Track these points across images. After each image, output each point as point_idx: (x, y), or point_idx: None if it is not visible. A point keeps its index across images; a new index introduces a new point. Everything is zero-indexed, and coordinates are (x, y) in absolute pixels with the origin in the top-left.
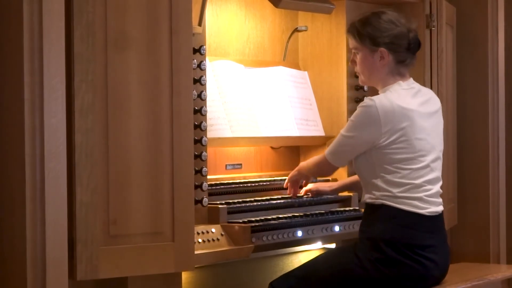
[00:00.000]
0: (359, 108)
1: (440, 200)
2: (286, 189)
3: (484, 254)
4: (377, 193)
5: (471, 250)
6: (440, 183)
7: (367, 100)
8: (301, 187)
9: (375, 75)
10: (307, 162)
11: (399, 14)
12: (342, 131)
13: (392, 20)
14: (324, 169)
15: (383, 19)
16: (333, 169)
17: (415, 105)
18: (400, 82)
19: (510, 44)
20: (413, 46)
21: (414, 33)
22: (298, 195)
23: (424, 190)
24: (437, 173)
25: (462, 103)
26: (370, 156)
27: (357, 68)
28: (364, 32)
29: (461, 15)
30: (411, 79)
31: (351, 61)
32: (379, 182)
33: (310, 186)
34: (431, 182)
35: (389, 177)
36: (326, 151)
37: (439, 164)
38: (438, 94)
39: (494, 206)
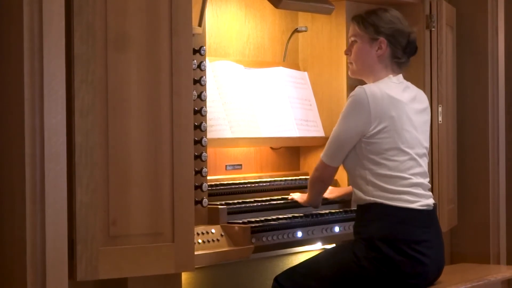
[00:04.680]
0: (349, 98)
1: (430, 193)
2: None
3: (484, 255)
4: (366, 188)
5: (471, 250)
6: (428, 178)
7: (356, 88)
8: None
9: (368, 65)
10: (308, 187)
11: (403, 16)
12: (334, 128)
13: (397, 16)
14: (322, 173)
15: (389, 13)
16: (331, 171)
17: (405, 99)
18: (391, 76)
19: (510, 44)
20: (410, 49)
21: (414, 36)
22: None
23: (412, 183)
24: (424, 168)
25: (462, 103)
26: (359, 147)
27: (352, 58)
28: (369, 20)
29: (461, 16)
30: (401, 75)
31: (347, 50)
32: (368, 176)
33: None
34: (418, 175)
35: (377, 170)
36: (321, 155)
37: (425, 161)
38: (438, 94)
39: (494, 207)
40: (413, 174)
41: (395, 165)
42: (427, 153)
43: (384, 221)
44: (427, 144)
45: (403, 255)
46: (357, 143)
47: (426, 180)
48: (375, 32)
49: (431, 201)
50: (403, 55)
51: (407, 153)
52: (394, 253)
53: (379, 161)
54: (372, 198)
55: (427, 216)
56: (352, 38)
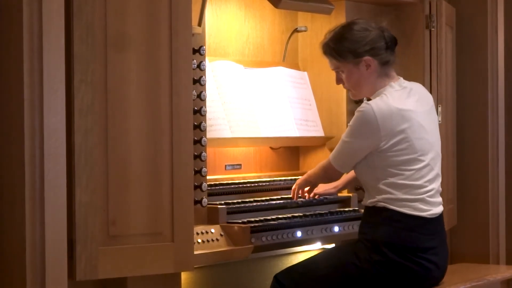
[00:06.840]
0: (356, 113)
1: (440, 199)
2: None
3: (484, 255)
4: (379, 196)
5: (470, 250)
6: (440, 180)
7: (363, 105)
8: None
9: (366, 85)
10: (315, 169)
11: (366, 19)
12: (343, 136)
13: (364, 27)
14: (331, 175)
15: (356, 29)
16: (340, 174)
17: (412, 105)
18: (392, 83)
19: (509, 44)
20: (391, 44)
21: (388, 31)
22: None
23: (426, 191)
24: (436, 170)
25: (461, 103)
26: (372, 161)
27: (347, 86)
28: (342, 48)
29: (460, 16)
30: (401, 78)
31: (337, 80)
32: (381, 185)
33: (317, 189)
34: (432, 181)
35: (392, 179)
36: (330, 156)
37: (438, 161)
38: (438, 94)
39: (494, 207)
40: (427, 181)
41: (410, 174)
42: (439, 153)
43: (391, 226)
44: (439, 144)
45: (408, 261)
46: (369, 155)
47: (438, 184)
48: (355, 56)
49: (440, 208)
50: (387, 54)
51: (422, 161)
52: (399, 259)
53: (393, 171)
54: (382, 203)
55: (435, 223)
56: (336, 70)
